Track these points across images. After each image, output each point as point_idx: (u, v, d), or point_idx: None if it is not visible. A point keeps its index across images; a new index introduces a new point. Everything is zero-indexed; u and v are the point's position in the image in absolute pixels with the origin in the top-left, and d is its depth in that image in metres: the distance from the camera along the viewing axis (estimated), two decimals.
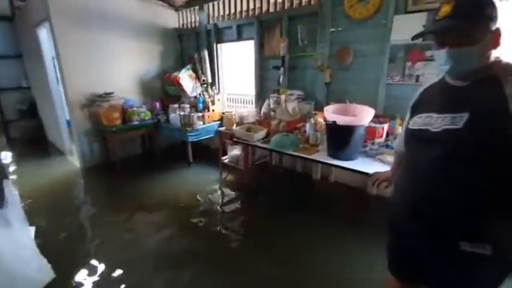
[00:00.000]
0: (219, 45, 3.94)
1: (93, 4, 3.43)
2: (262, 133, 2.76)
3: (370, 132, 2.30)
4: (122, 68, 3.83)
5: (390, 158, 2.04)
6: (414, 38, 0.90)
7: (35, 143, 4.97)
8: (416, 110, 0.97)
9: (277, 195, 2.96)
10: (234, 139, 2.86)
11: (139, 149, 4.28)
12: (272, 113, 3.05)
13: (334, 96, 2.82)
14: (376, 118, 2.40)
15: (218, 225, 2.44)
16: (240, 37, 3.62)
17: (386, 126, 2.34)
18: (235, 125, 3.25)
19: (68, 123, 3.93)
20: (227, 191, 3.07)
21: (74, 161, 3.98)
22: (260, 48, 3.42)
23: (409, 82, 2.38)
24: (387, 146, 2.23)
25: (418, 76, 2.34)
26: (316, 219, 2.47)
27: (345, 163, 2.12)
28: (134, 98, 3.97)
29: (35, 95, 5.05)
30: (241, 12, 3.53)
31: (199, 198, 2.88)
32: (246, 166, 3.07)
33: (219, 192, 3.05)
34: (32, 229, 0.93)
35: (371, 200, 2.77)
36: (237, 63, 4.02)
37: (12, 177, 3.50)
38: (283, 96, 2.87)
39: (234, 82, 4.15)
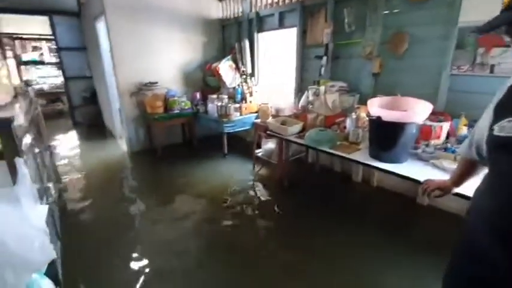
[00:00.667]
0: (260, 34, 3.81)
1: None
2: (297, 127, 2.58)
3: (425, 132, 1.96)
4: (166, 58, 3.97)
5: (448, 164, 1.70)
6: (480, 31, 0.75)
7: (94, 127, 5.54)
8: (503, 111, 0.74)
9: (310, 194, 2.76)
10: (268, 132, 2.73)
11: (180, 138, 4.44)
12: (310, 106, 2.84)
13: (383, 89, 2.48)
14: (434, 115, 2.04)
15: (245, 220, 2.36)
16: (281, 25, 3.44)
17: (446, 126, 1.97)
18: (270, 117, 3.12)
19: (119, 110, 4.25)
20: (258, 185, 2.98)
21: (123, 145, 4.30)
22: (302, 36, 3.19)
23: (481, 73, 1.96)
24: (446, 150, 1.87)
25: (493, 66, 1.90)
26: (352, 226, 2.22)
27: (389, 166, 1.84)
28: (176, 87, 4.10)
29: (96, 84, 5.59)
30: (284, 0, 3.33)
31: (230, 190, 2.85)
32: (279, 161, 2.93)
33: (250, 185, 2.97)
34: (45, 208, 0.92)
35: (421, 211, 2.40)
36: (277, 54, 3.85)
37: (75, 152, 3.95)
38: (322, 88, 2.63)
39: (273, 73, 3.99)
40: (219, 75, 3.90)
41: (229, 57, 4.02)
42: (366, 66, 2.61)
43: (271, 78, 4.03)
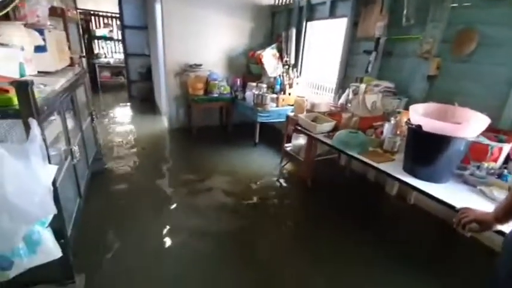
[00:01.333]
0: (308, 23, 3.60)
1: None
2: (327, 125, 2.40)
3: (477, 151, 1.64)
4: (212, 42, 4.04)
5: (499, 194, 1.41)
6: None
7: (145, 102, 6.01)
8: None
9: (334, 200, 2.58)
10: (297, 127, 2.61)
11: (217, 121, 4.54)
12: (349, 105, 2.61)
13: (438, 95, 2.14)
14: (494, 133, 1.70)
15: (264, 213, 2.32)
16: (332, 14, 3.19)
17: (507, 148, 1.62)
18: (305, 112, 2.97)
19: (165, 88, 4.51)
20: (283, 180, 2.89)
21: (165, 121, 4.58)
22: (352, 27, 2.92)
23: None
24: (500, 176, 1.54)
25: None
26: (378, 245, 1.99)
27: (425, 185, 1.60)
28: (218, 71, 4.16)
29: (152, 62, 6.01)
30: None
31: (253, 180, 2.82)
32: (306, 159, 2.78)
33: (274, 179, 2.90)
34: (54, 167, 1.00)
35: (463, 242, 2.06)
36: (323, 46, 3.60)
37: (123, 122, 4.35)
38: (362, 86, 2.38)
39: (317, 66, 3.76)
40: (262, 63, 3.83)
41: (274, 45, 3.91)
42: (421, 66, 2.27)
43: (313, 71, 3.82)
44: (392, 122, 2.00)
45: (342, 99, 2.86)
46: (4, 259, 0.97)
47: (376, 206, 2.56)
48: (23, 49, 1.64)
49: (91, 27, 7.17)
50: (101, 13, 7.11)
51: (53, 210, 1.05)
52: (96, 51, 7.38)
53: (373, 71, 2.67)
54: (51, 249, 1.08)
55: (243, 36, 4.23)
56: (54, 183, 1.14)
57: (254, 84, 3.84)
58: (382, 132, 2.10)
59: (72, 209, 1.50)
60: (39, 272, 1.10)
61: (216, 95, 3.93)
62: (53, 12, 2.27)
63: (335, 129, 2.42)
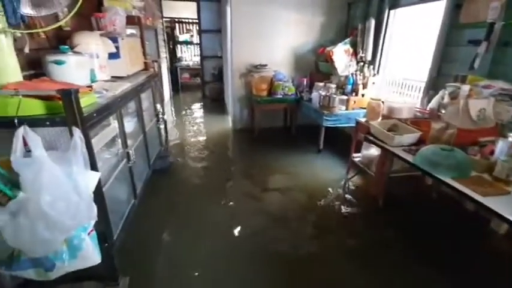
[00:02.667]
0: (392, 11, 3.04)
1: None
2: (409, 137, 1.92)
3: None
4: (279, 40, 3.86)
5: None
6: None
7: (216, 101, 6.31)
8: None
9: (414, 228, 2.07)
10: (368, 136, 2.19)
11: (280, 123, 4.37)
12: (442, 111, 2.05)
13: None
14: None
15: (323, 231, 2.03)
16: None
17: None
18: (380, 117, 2.50)
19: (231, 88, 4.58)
20: (348, 195, 2.51)
21: (230, 121, 4.67)
22: (454, 11, 2.28)
23: None
24: None
25: None
26: None
27: None
28: (285, 71, 3.95)
29: (223, 63, 6.25)
30: None
31: (316, 191, 2.54)
32: (378, 174, 2.33)
33: (338, 193, 2.54)
34: (97, 175, 0.99)
35: None
36: (409, 38, 2.98)
37: (192, 120, 4.64)
38: (465, 88, 1.80)
39: (400, 62, 3.15)
40: (332, 61, 3.45)
41: (347, 40, 3.47)
42: None
43: (395, 68, 3.22)
44: (510, 139, 1.43)
45: (433, 104, 2.27)
46: (48, 260, 1.02)
47: (474, 245, 1.93)
48: (97, 56, 1.79)
49: (175, 33, 7.95)
50: (183, 20, 7.81)
51: (93, 218, 1.06)
52: (179, 55, 8.16)
53: (482, 67, 2.01)
54: (90, 255, 1.09)
55: (312, 33, 3.91)
56: (99, 189, 1.16)
57: (321, 84, 3.49)
58: (492, 152, 1.54)
59: (124, 210, 1.55)
60: (86, 269, 1.14)
61: (280, 96, 3.74)
62: (131, 21, 2.47)
63: (420, 142, 1.92)
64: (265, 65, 3.85)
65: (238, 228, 2.06)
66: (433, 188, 2.47)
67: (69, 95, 0.96)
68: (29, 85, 1.04)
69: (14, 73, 1.10)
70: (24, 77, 1.35)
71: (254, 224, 2.11)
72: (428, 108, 2.37)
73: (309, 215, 2.23)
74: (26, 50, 1.48)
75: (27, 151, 0.94)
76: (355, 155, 2.78)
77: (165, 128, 2.82)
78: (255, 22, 3.70)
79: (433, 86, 2.51)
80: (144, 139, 2.01)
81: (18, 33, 1.12)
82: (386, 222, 2.14)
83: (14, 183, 0.94)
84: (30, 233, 0.91)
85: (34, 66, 1.53)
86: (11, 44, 1.08)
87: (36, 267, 1.04)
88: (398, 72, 3.17)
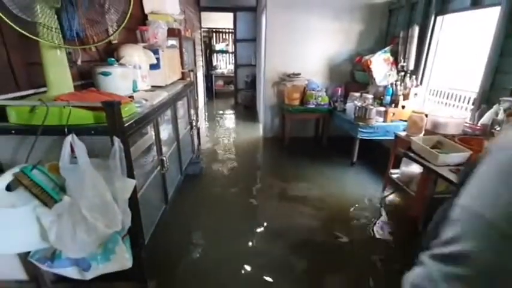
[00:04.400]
0: (439, 18, 2.83)
1: None
2: (457, 156, 1.74)
3: None
4: (314, 49, 3.80)
5: None
6: None
7: (248, 109, 6.40)
8: None
9: None
10: (408, 152, 2.03)
11: (312, 132, 4.27)
12: (497, 128, 1.83)
13: None
14: None
15: (354, 256, 1.92)
16: (476, 3, 2.36)
17: None
18: (423, 132, 2.32)
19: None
20: (383, 215, 2.34)
21: (261, 129, 4.68)
22: (509, 19, 2.05)
23: None
24: None
25: None
26: None
27: None
28: (319, 80, 3.87)
29: (256, 71, 6.33)
30: None
31: (348, 207, 2.43)
32: (419, 194, 2.15)
33: (372, 213, 2.39)
34: (133, 182, 1.04)
35: None
36: (458, 46, 2.74)
37: (225, 127, 4.74)
38: None
39: (447, 71, 2.91)
40: (369, 70, 3.30)
41: (387, 48, 3.30)
42: None
43: (442, 78, 2.97)
44: None
45: (485, 119, 2.05)
46: (84, 261, 1.08)
47: None
48: (140, 67, 1.91)
49: (212, 43, 8.27)
50: (220, 30, 8.10)
51: (127, 223, 1.10)
52: (214, 63, 8.45)
53: None
54: (123, 259, 1.14)
55: (349, 41, 3.79)
56: (134, 195, 1.21)
57: (357, 94, 3.35)
58: None
59: (156, 215, 1.61)
60: (116, 271, 1.19)
61: (312, 106, 3.66)
62: (172, 33, 2.62)
63: (469, 161, 1.73)
64: (298, 74, 3.81)
65: (265, 236, 2.04)
66: None
67: (111, 106, 1.02)
68: (78, 96, 1.13)
69: (67, 84, 1.21)
70: (76, 87, 1.48)
71: (281, 233, 2.06)
72: (479, 124, 2.15)
73: (339, 231, 2.12)
74: (79, 62, 1.62)
75: (74, 157, 1.02)
76: (392, 171, 2.60)
77: (198, 135, 2.91)
78: (289, 30, 3.70)
79: (486, 99, 2.26)
80: (178, 146, 2.08)
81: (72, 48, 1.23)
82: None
83: (61, 186, 1.01)
84: (70, 234, 0.97)
85: (85, 76, 1.67)
86: (65, 58, 1.18)
87: (75, 266, 1.11)
88: (444, 82, 2.92)
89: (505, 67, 2.15)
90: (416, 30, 2.99)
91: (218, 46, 8.24)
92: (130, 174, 1.15)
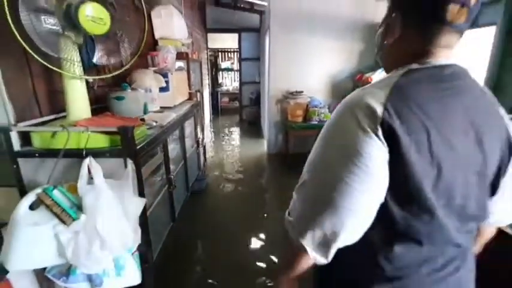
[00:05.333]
0: None
1: (305, 5, 3.69)
2: None
3: None
4: (316, 67, 3.94)
5: None
6: None
7: (253, 125, 6.52)
8: None
9: None
10: None
11: None
12: None
13: None
14: None
15: None
16: (472, 23, 2.46)
17: None
18: None
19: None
20: None
21: (265, 145, 4.77)
22: (506, 38, 2.14)
23: None
24: None
25: None
26: None
27: None
28: (321, 97, 3.98)
29: (261, 88, 6.50)
30: None
31: None
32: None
33: None
34: (143, 201, 1.12)
35: None
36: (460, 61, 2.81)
37: (229, 143, 4.83)
38: None
39: None
40: None
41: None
42: None
43: None
44: None
45: None
46: (98, 277, 1.14)
47: None
48: (150, 91, 2.04)
49: (218, 61, 8.56)
50: (225, 49, 8.40)
51: (137, 240, 1.17)
52: (220, 80, 8.71)
53: None
54: (132, 275, 1.19)
55: (351, 59, 3.92)
56: (144, 213, 1.29)
57: None
58: None
59: (163, 232, 1.67)
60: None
61: (315, 122, 3.75)
62: (180, 56, 2.77)
63: None
64: (301, 92, 3.93)
65: (268, 254, 2.06)
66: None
67: (126, 131, 1.11)
68: (96, 121, 1.24)
69: (85, 110, 1.32)
70: (92, 110, 1.60)
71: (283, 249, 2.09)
72: None
73: None
74: (95, 87, 1.75)
75: (90, 178, 1.11)
76: None
77: (204, 152, 3.00)
78: (291, 50, 3.85)
79: None
80: (185, 164, 2.17)
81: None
82: None
83: (78, 206, 1.09)
84: (86, 251, 1.04)
85: (100, 99, 1.79)
86: (85, 86, 1.30)
87: (88, 281, 1.17)
88: None
89: (502, 84, 2.21)
90: None
91: (224, 64, 8.52)
92: (141, 193, 1.23)
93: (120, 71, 1.39)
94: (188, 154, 2.28)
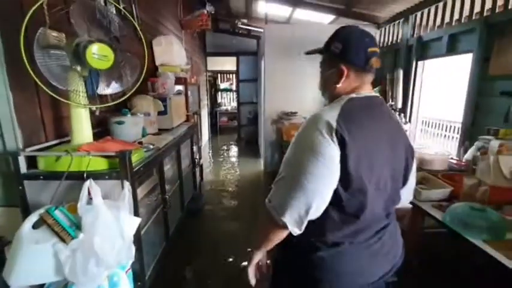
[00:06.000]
0: (420, 62, 3.12)
1: (298, 33, 3.94)
2: (439, 192, 1.86)
3: None
4: (309, 90, 4.10)
5: None
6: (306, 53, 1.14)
7: (250, 144, 6.64)
8: None
9: None
10: None
11: None
12: (474, 166, 1.97)
13: None
14: None
15: None
16: (451, 50, 2.64)
17: None
18: None
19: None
20: None
21: (262, 164, 4.86)
22: (482, 64, 2.30)
23: None
24: None
25: None
26: None
27: None
28: None
29: (258, 108, 6.69)
30: (460, 17, 2.55)
31: None
32: (411, 230, 2.21)
33: None
34: (137, 220, 1.21)
35: None
36: (443, 84, 2.99)
37: (226, 162, 4.92)
38: (494, 143, 1.74)
39: (434, 106, 3.13)
40: None
41: (376, 89, 3.58)
42: None
43: (429, 113, 3.18)
44: None
45: (469, 155, 2.20)
46: None
47: None
48: (149, 115, 2.17)
49: (217, 82, 8.85)
50: (224, 71, 8.72)
51: (131, 258, 1.24)
52: (219, 100, 8.95)
53: None
54: None
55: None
56: (138, 232, 1.36)
57: None
58: None
59: (157, 252, 1.72)
60: None
61: None
62: (179, 81, 2.94)
63: (452, 197, 1.84)
64: (295, 113, 4.08)
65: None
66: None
67: (124, 156, 1.22)
68: (97, 146, 1.35)
69: (88, 136, 1.43)
70: (94, 134, 1.72)
71: None
72: (464, 160, 2.29)
73: None
74: (97, 113, 1.88)
75: (89, 198, 1.20)
76: None
77: (201, 172, 3.09)
78: (286, 73, 4.05)
79: (469, 136, 2.43)
80: (180, 184, 2.25)
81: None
82: (423, 285, 1.97)
83: (77, 225, 1.18)
84: (82, 268, 1.11)
85: (102, 123, 1.91)
86: (88, 114, 1.43)
87: None
88: (433, 116, 3.13)
89: (483, 106, 2.35)
90: (400, 73, 3.28)
91: (223, 85, 8.81)
92: (136, 213, 1.31)
93: (122, 99, 1.52)
94: (184, 174, 2.37)
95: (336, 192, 0.78)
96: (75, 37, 1.31)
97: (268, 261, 1.00)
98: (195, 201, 2.98)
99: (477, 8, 2.36)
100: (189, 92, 3.29)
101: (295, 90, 4.11)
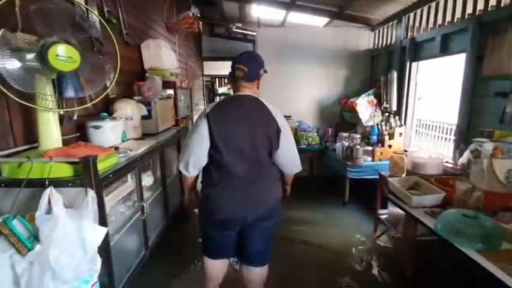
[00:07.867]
0: (414, 63, 3.04)
1: (292, 36, 3.90)
2: (431, 198, 1.77)
3: None
4: (304, 93, 4.05)
5: None
6: None
7: None
8: None
9: None
10: (388, 194, 2.06)
11: (306, 172, 4.31)
12: (469, 170, 1.87)
13: None
14: None
15: None
16: (444, 51, 2.57)
17: None
18: (404, 172, 2.36)
19: None
20: (374, 261, 2.27)
21: None
22: (475, 64, 2.22)
23: None
24: None
25: None
26: None
27: None
28: (310, 122, 4.05)
29: None
30: (452, 17, 2.48)
31: (335, 251, 2.39)
32: (404, 237, 2.11)
33: (362, 255, 2.33)
34: (104, 230, 1.14)
35: None
36: (434, 88, 2.91)
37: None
38: (488, 146, 1.65)
39: (428, 108, 3.04)
40: (355, 112, 3.47)
41: (370, 91, 3.50)
42: None
43: (425, 115, 3.10)
44: None
45: (463, 159, 2.11)
46: None
47: None
48: (131, 119, 2.11)
49: (215, 87, 8.84)
50: (222, 76, 8.71)
51: (95, 270, 1.16)
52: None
53: None
54: None
55: (337, 85, 4.05)
56: (106, 242, 1.29)
57: (346, 134, 3.47)
58: None
59: (133, 262, 1.64)
60: None
61: (303, 146, 3.78)
62: (167, 85, 2.89)
63: (446, 203, 1.75)
64: (290, 117, 3.99)
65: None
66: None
67: (87, 162, 1.16)
68: (63, 151, 1.28)
69: (57, 140, 1.37)
70: (71, 139, 1.66)
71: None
72: (459, 163, 2.19)
73: (328, 263, 2.09)
74: (75, 117, 1.82)
75: (50, 208, 1.13)
76: (382, 211, 2.59)
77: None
78: (280, 77, 3.99)
79: (464, 139, 2.33)
80: (164, 191, 2.18)
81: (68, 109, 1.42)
82: None
83: (36, 236, 1.11)
84: (39, 282, 1.04)
85: (81, 128, 1.86)
86: (57, 118, 1.37)
87: None
88: (428, 118, 3.04)
89: (478, 108, 2.25)
90: (394, 75, 3.20)
91: (220, 90, 8.80)
92: (103, 223, 1.24)
93: (92, 103, 1.46)
94: (170, 179, 2.30)
95: (209, 153, 1.27)
96: (43, 38, 1.26)
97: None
98: (184, 208, 2.89)
99: (469, 10, 2.30)
100: (182, 96, 3.25)
101: (290, 93, 4.05)
